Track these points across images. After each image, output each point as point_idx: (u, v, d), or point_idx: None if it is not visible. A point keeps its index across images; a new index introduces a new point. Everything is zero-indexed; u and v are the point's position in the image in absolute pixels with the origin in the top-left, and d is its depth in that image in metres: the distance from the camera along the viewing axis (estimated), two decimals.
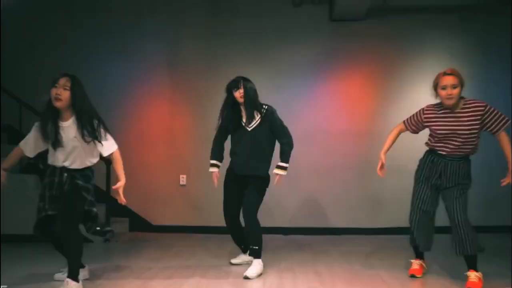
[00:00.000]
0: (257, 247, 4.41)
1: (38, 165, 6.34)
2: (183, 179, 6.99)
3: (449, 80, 3.84)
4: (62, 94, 3.65)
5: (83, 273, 3.99)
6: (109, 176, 6.16)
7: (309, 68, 6.93)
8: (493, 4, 6.70)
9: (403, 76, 6.92)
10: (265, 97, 4.80)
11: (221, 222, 6.68)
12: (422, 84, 6.46)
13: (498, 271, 4.27)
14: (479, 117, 3.82)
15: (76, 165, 3.78)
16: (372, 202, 6.84)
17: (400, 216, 6.60)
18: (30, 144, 3.84)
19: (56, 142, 3.69)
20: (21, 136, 6.54)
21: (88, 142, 3.73)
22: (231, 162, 4.67)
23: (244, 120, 4.54)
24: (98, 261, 4.78)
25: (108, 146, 3.86)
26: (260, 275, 4.29)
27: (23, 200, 5.76)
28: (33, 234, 3.84)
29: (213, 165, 4.77)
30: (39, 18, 7.08)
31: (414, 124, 4.15)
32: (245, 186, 4.52)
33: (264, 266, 4.48)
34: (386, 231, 6.67)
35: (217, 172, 4.76)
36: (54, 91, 3.67)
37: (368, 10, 6.72)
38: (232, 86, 4.58)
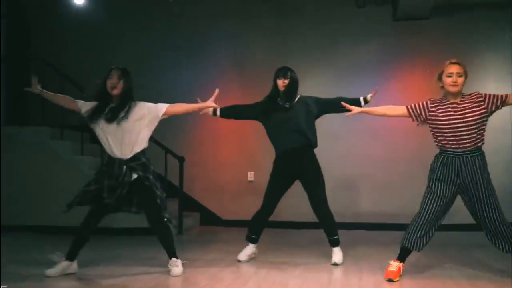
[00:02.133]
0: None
1: None
2: (251, 176, 7.00)
3: (455, 68, 3.83)
4: (117, 84, 3.84)
5: (71, 267, 3.92)
6: (182, 172, 6.24)
7: (373, 68, 6.78)
8: None
9: (469, 74, 6.57)
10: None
11: (286, 216, 6.73)
12: (488, 82, 6.18)
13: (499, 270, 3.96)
14: (482, 104, 3.71)
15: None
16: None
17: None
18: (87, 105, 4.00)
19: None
20: None
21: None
22: None
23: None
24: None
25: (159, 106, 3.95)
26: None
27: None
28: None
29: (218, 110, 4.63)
30: (124, 28, 7.30)
31: (419, 109, 3.87)
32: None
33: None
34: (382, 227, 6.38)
35: (207, 110, 4.59)
36: (109, 81, 3.84)
37: (432, 8, 6.47)
38: (279, 74, 4.51)
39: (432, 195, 3.73)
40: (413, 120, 3.93)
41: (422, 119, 3.87)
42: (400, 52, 6.76)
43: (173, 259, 3.95)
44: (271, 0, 6.99)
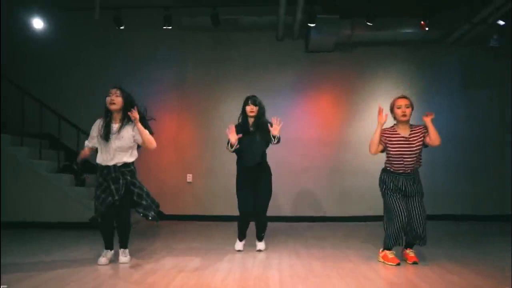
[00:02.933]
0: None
1: (72, 166, 6.27)
2: (189, 177, 6.93)
3: (403, 101, 3.88)
4: (115, 99, 3.72)
5: (109, 256, 3.88)
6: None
7: (289, 90, 6.92)
8: (431, 40, 6.75)
9: (364, 96, 6.93)
10: None
11: (219, 212, 6.74)
12: (379, 102, 6.45)
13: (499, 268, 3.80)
14: (422, 137, 3.83)
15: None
16: (337, 195, 6.83)
17: (359, 207, 6.71)
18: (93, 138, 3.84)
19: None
20: (59, 142, 6.58)
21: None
22: None
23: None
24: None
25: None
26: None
27: (60, 194, 5.71)
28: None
29: None
30: (80, 50, 6.99)
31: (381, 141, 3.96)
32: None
33: (251, 247, 4.45)
34: (351, 219, 6.66)
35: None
36: (108, 99, 3.72)
37: (336, 44, 6.74)
38: (247, 102, 4.35)
39: (393, 202, 3.85)
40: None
41: (383, 145, 3.94)
42: (312, 77, 6.93)
43: (122, 249, 3.89)
44: (207, 34, 6.94)
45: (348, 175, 6.82)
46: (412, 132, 3.86)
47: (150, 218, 3.81)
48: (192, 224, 6.40)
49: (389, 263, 3.81)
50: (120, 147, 3.74)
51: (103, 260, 3.79)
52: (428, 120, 3.76)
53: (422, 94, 6.72)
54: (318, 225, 6.32)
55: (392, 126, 3.95)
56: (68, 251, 4.33)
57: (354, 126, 6.89)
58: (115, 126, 3.79)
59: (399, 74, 6.91)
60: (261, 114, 4.37)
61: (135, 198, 3.79)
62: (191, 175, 6.93)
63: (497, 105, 6.83)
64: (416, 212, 3.81)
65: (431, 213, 6.20)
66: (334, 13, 6.30)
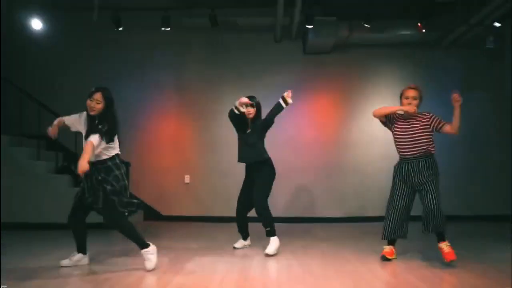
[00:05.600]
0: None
1: (70, 167, 6.22)
2: (187, 178, 6.88)
3: (411, 93, 3.85)
4: (95, 106, 3.57)
5: (83, 259, 3.74)
6: (128, 175, 6.01)
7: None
8: (428, 42, 6.73)
9: (361, 97, 6.91)
10: None
11: (217, 212, 6.70)
12: (375, 104, 6.41)
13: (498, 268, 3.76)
14: (427, 122, 3.80)
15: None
16: (336, 195, 6.78)
17: (359, 207, 6.68)
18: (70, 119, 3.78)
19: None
20: (57, 143, 6.53)
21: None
22: None
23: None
24: (116, 245, 4.64)
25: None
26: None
27: (59, 194, 5.66)
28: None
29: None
30: (78, 51, 6.91)
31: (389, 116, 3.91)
32: None
33: (250, 248, 4.41)
34: (347, 220, 6.62)
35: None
36: (89, 103, 3.58)
37: (333, 46, 6.71)
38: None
39: (397, 193, 3.86)
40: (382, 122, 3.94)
41: (388, 123, 3.91)
42: (309, 78, 6.89)
43: (143, 250, 3.60)
44: (204, 36, 6.91)
45: (346, 176, 6.78)
46: (416, 117, 3.80)
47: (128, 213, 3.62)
48: (190, 225, 6.34)
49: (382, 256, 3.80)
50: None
51: (64, 261, 3.62)
52: (457, 106, 3.68)
53: (425, 97, 6.66)
54: (315, 225, 6.27)
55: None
56: (65, 252, 4.26)
57: (351, 127, 6.86)
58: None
59: (397, 76, 6.87)
60: (259, 115, 4.35)
61: (109, 195, 3.54)
62: (188, 176, 6.88)
63: (495, 106, 6.79)
64: (429, 200, 3.66)
65: None
66: (332, 15, 6.27)
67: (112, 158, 3.66)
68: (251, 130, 4.34)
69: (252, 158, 4.33)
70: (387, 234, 3.89)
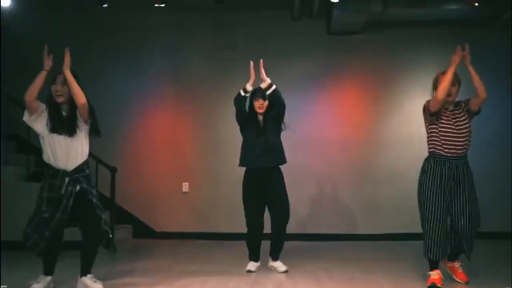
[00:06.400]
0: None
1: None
2: (185, 187, 6.92)
3: None
4: (61, 90, 3.66)
5: (46, 283, 3.80)
6: (114, 183, 6.07)
7: (308, 80, 6.88)
8: (479, 20, 6.68)
9: (397, 87, 6.88)
10: None
11: (222, 228, 6.72)
12: (415, 95, 6.42)
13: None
14: (466, 112, 3.98)
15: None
16: (367, 208, 6.76)
17: (396, 223, 6.64)
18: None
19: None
20: (29, 145, 6.61)
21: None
22: None
23: None
24: (102, 266, 4.66)
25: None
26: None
27: (29, 206, 5.69)
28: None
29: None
30: (61, 40, 6.92)
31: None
32: None
33: (263, 271, 4.43)
34: (381, 237, 6.59)
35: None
36: (54, 89, 3.67)
37: (364, 24, 6.69)
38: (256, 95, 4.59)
39: (434, 201, 3.91)
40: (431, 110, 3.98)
41: (435, 110, 3.96)
42: (335, 64, 6.88)
43: (89, 275, 3.79)
44: (207, 15, 6.94)
45: (379, 184, 6.76)
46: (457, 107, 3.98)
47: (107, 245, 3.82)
48: (190, 243, 6.37)
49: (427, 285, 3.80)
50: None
51: (36, 286, 3.69)
52: (467, 63, 3.97)
53: (468, 82, 6.63)
54: (343, 244, 6.26)
55: None
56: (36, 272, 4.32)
57: (386, 124, 6.83)
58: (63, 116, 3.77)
59: (441, 61, 6.72)
60: (271, 109, 4.46)
61: (96, 210, 3.71)
62: (187, 184, 6.92)
63: None
64: (465, 210, 3.85)
65: None
66: None
67: (87, 162, 3.77)
68: (264, 127, 4.41)
69: (273, 161, 4.47)
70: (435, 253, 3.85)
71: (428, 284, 3.82)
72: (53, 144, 3.71)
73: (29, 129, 6.33)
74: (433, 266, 3.89)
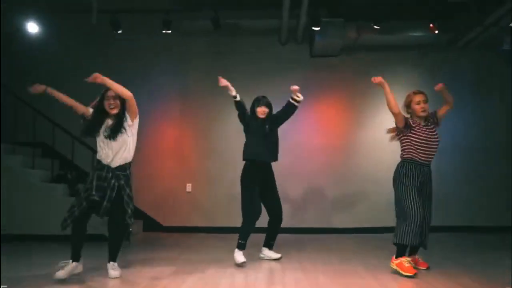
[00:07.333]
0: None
1: (66, 175, 6.23)
2: (189, 187, 6.87)
3: (421, 96, 4.01)
4: (114, 103, 3.70)
5: (78, 268, 3.72)
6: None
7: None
8: (441, 44, 6.72)
9: (370, 102, 6.89)
10: None
11: (220, 223, 6.67)
12: (386, 110, 6.34)
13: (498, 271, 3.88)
14: (435, 124, 4.05)
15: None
16: (345, 205, 6.73)
17: (370, 217, 6.63)
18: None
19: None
20: (53, 151, 6.55)
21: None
22: None
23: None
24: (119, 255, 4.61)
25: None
26: None
27: (54, 204, 5.65)
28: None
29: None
30: (76, 56, 6.91)
31: (404, 120, 3.98)
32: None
33: (254, 261, 4.39)
34: (358, 231, 6.57)
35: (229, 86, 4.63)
36: (107, 103, 3.68)
37: (341, 48, 6.71)
38: (259, 103, 4.58)
39: (412, 196, 3.90)
40: (400, 125, 3.99)
41: (404, 126, 3.98)
42: (316, 82, 6.88)
43: (112, 262, 3.81)
44: (208, 39, 6.92)
45: (356, 183, 6.75)
46: (429, 122, 4.02)
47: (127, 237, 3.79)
48: (192, 236, 6.32)
49: (405, 273, 3.70)
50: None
51: (61, 273, 3.55)
52: (441, 86, 3.98)
53: (432, 99, 6.64)
54: (324, 237, 6.24)
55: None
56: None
57: (361, 132, 6.85)
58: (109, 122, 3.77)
59: (408, 79, 6.84)
60: (271, 114, 4.50)
61: (124, 204, 3.69)
62: (190, 184, 6.87)
63: (510, 110, 6.75)
64: (427, 207, 3.94)
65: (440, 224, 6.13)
66: (339, 16, 6.28)
67: (130, 164, 3.79)
68: (268, 128, 4.42)
69: (275, 156, 4.48)
70: (411, 240, 3.79)
71: (412, 274, 3.68)
72: (102, 144, 3.72)
73: (53, 136, 6.37)
74: (402, 253, 3.82)
